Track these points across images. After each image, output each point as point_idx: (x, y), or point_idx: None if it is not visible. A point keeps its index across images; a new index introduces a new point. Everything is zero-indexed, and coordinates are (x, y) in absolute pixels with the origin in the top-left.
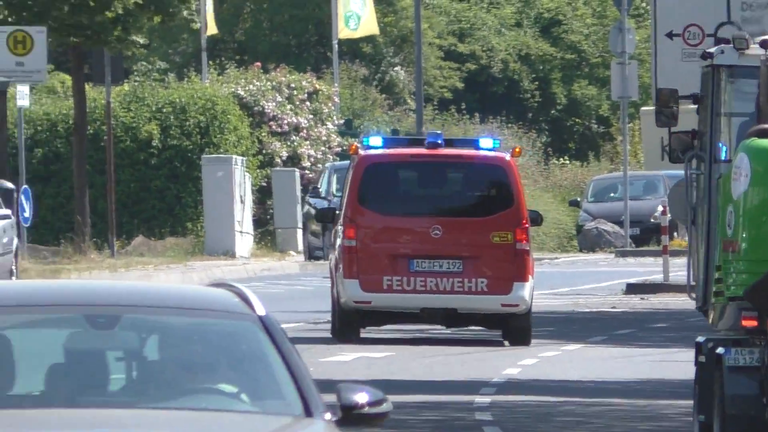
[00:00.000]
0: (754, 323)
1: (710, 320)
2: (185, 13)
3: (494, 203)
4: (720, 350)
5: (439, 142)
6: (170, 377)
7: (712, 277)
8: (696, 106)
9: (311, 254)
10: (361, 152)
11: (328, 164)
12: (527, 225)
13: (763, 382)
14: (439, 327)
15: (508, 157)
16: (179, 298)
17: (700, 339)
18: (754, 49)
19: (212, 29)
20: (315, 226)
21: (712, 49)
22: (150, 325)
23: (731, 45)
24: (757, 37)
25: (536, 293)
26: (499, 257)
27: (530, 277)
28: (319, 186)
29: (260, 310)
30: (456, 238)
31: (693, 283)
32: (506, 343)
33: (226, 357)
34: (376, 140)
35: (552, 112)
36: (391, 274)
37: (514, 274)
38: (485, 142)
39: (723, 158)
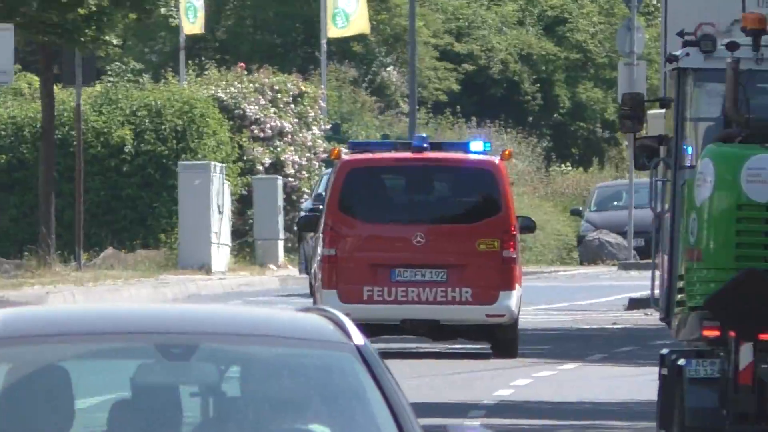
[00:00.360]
0: (716, 333)
1: (672, 331)
2: (163, 9)
3: (481, 209)
4: (681, 362)
5: (425, 145)
6: (253, 416)
7: (675, 286)
8: (664, 110)
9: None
10: (343, 157)
11: (329, 169)
12: (515, 232)
13: (723, 395)
14: (426, 340)
15: (496, 160)
16: (264, 325)
17: (664, 351)
18: (721, 52)
19: (195, 28)
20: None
21: (678, 52)
22: (231, 355)
23: (697, 47)
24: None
25: (532, 309)
26: (484, 266)
27: (517, 286)
28: (321, 191)
29: (357, 339)
30: (440, 245)
31: (657, 293)
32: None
33: (318, 393)
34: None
35: (554, 115)
36: (371, 284)
37: (500, 284)
38: (475, 145)
39: (688, 164)
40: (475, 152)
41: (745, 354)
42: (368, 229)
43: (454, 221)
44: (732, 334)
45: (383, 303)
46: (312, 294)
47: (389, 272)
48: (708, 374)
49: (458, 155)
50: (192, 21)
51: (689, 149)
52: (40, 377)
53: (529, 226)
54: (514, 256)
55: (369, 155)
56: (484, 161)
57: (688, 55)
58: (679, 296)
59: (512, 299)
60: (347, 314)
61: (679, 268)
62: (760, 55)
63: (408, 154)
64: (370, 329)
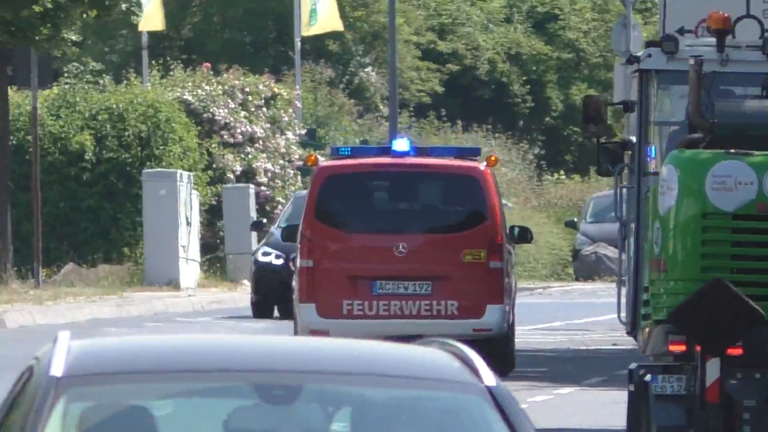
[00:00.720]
0: (682, 348)
1: (639, 346)
2: (124, 6)
3: (466, 218)
4: (648, 378)
5: (407, 150)
6: None
7: (640, 299)
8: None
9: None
10: (320, 163)
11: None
12: (502, 242)
13: (690, 412)
14: None
15: (482, 166)
16: (379, 362)
17: (633, 366)
18: (685, 53)
19: (156, 25)
20: None
21: (640, 53)
22: (341, 397)
23: (659, 48)
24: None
25: (526, 328)
26: (470, 277)
27: (506, 298)
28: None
29: (488, 379)
30: (423, 256)
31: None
32: None
33: None
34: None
35: (546, 119)
36: (351, 298)
37: (487, 296)
38: (464, 151)
39: (652, 170)
40: (465, 157)
41: (712, 370)
42: (347, 240)
43: (438, 231)
44: (698, 348)
45: (364, 318)
46: (254, 313)
47: (370, 285)
48: (675, 391)
49: (442, 161)
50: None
51: (653, 155)
52: (119, 420)
53: (524, 235)
54: (501, 266)
55: (347, 161)
56: (469, 167)
57: (650, 56)
58: (645, 309)
59: (500, 312)
60: (326, 330)
61: (644, 280)
62: (725, 57)
63: (389, 160)
64: None
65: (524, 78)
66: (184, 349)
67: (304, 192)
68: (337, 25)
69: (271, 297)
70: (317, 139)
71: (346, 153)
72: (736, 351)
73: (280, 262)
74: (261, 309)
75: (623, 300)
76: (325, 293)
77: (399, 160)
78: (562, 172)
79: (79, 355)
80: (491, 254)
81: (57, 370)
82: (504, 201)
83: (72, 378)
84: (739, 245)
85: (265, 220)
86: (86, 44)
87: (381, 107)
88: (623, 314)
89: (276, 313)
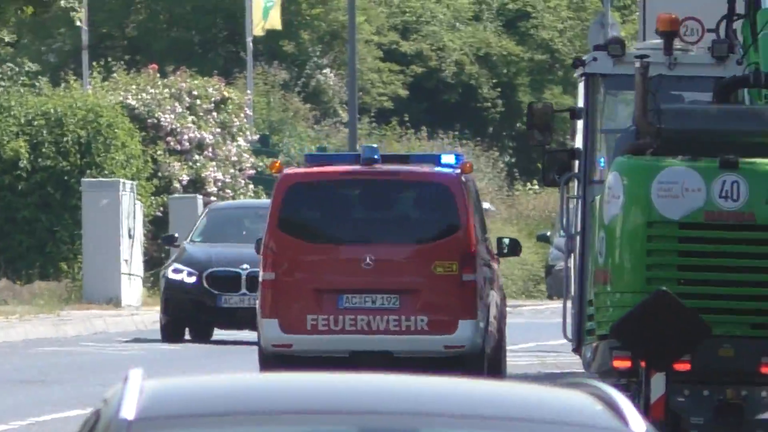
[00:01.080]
0: (627, 364)
1: (584, 364)
2: (62, 2)
3: (437, 228)
4: None
5: (375, 157)
6: None
7: (585, 313)
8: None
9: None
10: (285, 171)
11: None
12: (475, 253)
13: None
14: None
15: (454, 174)
16: (510, 405)
17: None
18: (631, 56)
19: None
20: None
21: (585, 56)
22: None
23: (605, 51)
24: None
25: None
26: (442, 291)
27: (480, 314)
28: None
29: (638, 425)
30: (391, 269)
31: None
32: None
33: None
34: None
35: (518, 125)
36: (315, 312)
37: (460, 311)
38: (447, 158)
39: (597, 179)
40: (446, 165)
41: (657, 385)
42: (312, 251)
43: (408, 241)
44: (643, 364)
45: (329, 333)
46: (163, 337)
47: (336, 299)
48: None
49: (412, 168)
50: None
51: (601, 162)
52: None
53: (515, 249)
54: (475, 279)
55: (311, 168)
56: (440, 174)
57: (595, 59)
58: (589, 324)
59: (473, 328)
60: (289, 345)
61: (588, 293)
62: (672, 60)
63: (355, 167)
64: (315, 363)
65: (494, 81)
66: (276, 388)
67: (219, 204)
68: (276, 23)
69: (182, 318)
70: (270, 146)
71: (326, 160)
72: (683, 366)
73: (193, 280)
74: (171, 332)
75: (569, 316)
76: (288, 307)
77: (367, 168)
78: (534, 181)
79: (154, 395)
80: (464, 266)
81: (128, 412)
82: (486, 205)
83: (145, 421)
84: (686, 255)
85: (176, 234)
86: (21, 43)
87: (340, 112)
88: (569, 331)
89: (187, 335)
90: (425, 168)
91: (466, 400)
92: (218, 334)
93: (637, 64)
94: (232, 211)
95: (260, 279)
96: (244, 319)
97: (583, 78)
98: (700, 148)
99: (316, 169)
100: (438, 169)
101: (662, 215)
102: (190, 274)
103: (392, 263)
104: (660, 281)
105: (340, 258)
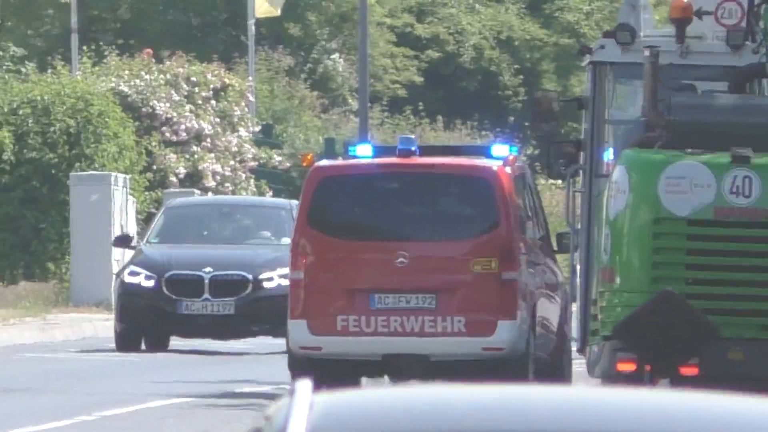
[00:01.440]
0: (632, 367)
1: (587, 366)
2: None
3: (475, 223)
4: None
5: (412, 149)
6: None
7: (589, 313)
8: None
9: None
10: (316, 164)
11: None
12: (516, 249)
13: None
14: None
15: (495, 166)
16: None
17: None
18: (641, 44)
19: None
20: None
21: (593, 43)
22: None
23: (614, 39)
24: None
25: None
26: (480, 290)
27: (520, 314)
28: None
29: None
30: (427, 267)
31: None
32: None
33: None
34: (364, 149)
35: None
36: (346, 313)
37: (499, 311)
38: (499, 150)
39: (604, 172)
40: (497, 158)
41: None
42: (342, 248)
43: (445, 238)
44: (648, 368)
45: (361, 335)
46: (118, 346)
47: (368, 299)
48: None
49: (449, 161)
50: None
51: (608, 155)
52: None
53: (567, 243)
54: (516, 277)
55: (344, 161)
56: (478, 167)
57: (603, 47)
58: (594, 324)
59: (514, 330)
60: (318, 348)
61: (593, 292)
62: (684, 48)
63: (391, 160)
64: (346, 367)
65: (516, 67)
66: (461, 404)
67: (178, 200)
68: (274, 10)
69: (139, 325)
70: (274, 136)
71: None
72: (690, 370)
73: (151, 284)
74: (126, 340)
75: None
76: (317, 308)
77: (402, 160)
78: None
79: (327, 412)
80: (504, 263)
81: (298, 431)
82: None
83: None
84: (695, 253)
85: (131, 234)
86: (6, 26)
87: (349, 100)
88: (574, 330)
89: (143, 345)
90: (463, 160)
91: (721, 422)
92: (174, 343)
93: (647, 53)
94: (192, 209)
95: (289, 278)
96: (205, 327)
97: (591, 66)
98: (711, 141)
99: (347, 162)
100: (478, 161)
101: (670, 211)
102: (147, 278)
103: (428, 261)
104: (667, 280)
105: (373, 256)
